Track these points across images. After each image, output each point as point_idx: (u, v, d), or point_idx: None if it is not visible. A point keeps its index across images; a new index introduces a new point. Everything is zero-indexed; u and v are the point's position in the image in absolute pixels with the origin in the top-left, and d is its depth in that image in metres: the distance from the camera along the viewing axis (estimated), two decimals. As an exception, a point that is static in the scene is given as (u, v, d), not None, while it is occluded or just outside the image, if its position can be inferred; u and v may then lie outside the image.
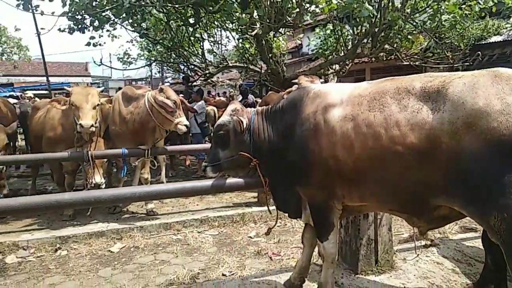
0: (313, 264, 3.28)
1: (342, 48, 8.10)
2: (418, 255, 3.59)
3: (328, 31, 9.50)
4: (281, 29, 8.30)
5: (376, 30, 6.59)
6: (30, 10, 8.10)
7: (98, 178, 4.70)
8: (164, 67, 21.47)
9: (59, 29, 8.69)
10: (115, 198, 2.66)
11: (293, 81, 5.56)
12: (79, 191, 3.10)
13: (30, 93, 16.86)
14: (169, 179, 7.24)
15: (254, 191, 5.95)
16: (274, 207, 2.94)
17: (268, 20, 6.43)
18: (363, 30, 6.96)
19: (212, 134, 3.26)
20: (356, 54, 7.44)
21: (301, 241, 3.06)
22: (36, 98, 13.95)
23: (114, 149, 5.08)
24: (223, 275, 3.58)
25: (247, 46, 9.79)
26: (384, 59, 8.33)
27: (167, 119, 4.87)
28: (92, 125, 4.50)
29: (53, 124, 5.04)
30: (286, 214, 4.50)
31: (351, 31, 7.82)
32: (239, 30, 9.17)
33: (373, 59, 8.37)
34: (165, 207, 5.60)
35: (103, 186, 4.84)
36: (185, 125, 4.92)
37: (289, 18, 6.81)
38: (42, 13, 8.17)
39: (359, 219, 3.25)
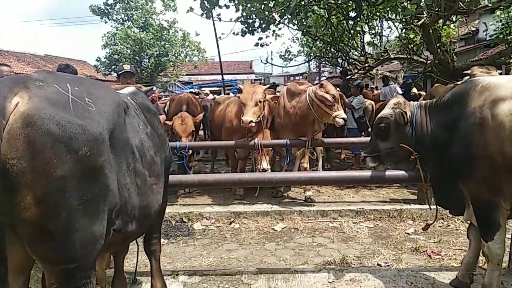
0: (477, 268, 3.09)
1: (531, 31, 6.97)
2: None
3: (513, 13, 8.27)
4: (452, 16, 7.61)
5: None
6: (211, 18, 9.44)
7: (265, 164, 5.30)
8: (322, 62, 21.95)
9: (234, 33, 9.90)
10: (285, 181, 3.06)
11: (465, 72, 5.12)
12: (256, 172, 3.65)
13: (206, 90, 19.52)
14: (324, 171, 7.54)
15: (413, 189, 5.77)
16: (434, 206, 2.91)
17: (437, 8, 6.04)
18: (561, 9, 5.86)
19: (371, 127, 3.34)
20: (550, 37, 6.32)
21: (467, 235, 2.95)
22: (211, 94, 16.06)
23: (278, 139, 5.64)
24: (378, 264, 3.68)
25: (412, 36, 9.28)
26: None
27: (326, 113, 5.13)
28: (250, 121, 5.00)
29: (230, 116, 5.87)
30: (450, 215, 4.32)
31: (543, 11, 6.65)
32: (403, 20, 8.78)
33: None
34: (321, 196, 5.92)
35: (269, 171, 5.43)
36: (343, 118, 5.10)
37: (462, 4, 6.23)
38: (220, 20, 9.44)
39: (540, 226, 2.90)
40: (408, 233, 4.53)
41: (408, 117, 2.80)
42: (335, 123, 5.19)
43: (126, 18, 24.50)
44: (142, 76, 23.89)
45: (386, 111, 2.94)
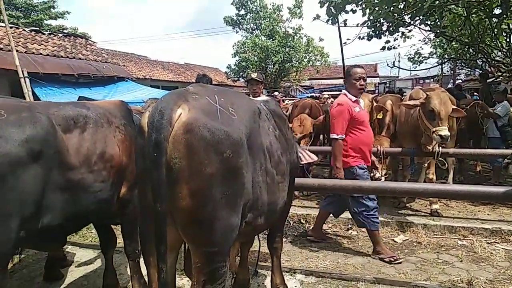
0: None
1: None
2: None
3: None
4: None
5: None
6: (336, 24, 9.49)
7: (379, 173, 5.14)
8: (457, 64, 19.94)
9: (359, 37, 9.74)
10: (409, 191, 2.99)
11: None
12: (377, 181, 3.64)
13: (326, 94, 19.53)
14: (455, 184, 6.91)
15: None
16: None
17: None
18: None
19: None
20: None
21: None
22: (332, 98, 16.03)
23: (399, 147, 5.42)
24: (516, 292, 3.30)
25: None
26: None
27: (426, 126, 4.79)
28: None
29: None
30: None
31: None
32: None
33: None
34: (450, 211, 5.48)
35: (383, 179, 5.23)
36: (440, 136, 4.57)
37: None
38: (345, 24, 9.42)
39: None
40: (559, 262, 3.93)
41: None
42: (433, 139, 4.78)
43: (255, 27, 25.98)
44: (266, 81, 25.02)
45: None
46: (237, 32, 26.72)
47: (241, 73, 24.80)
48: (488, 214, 5.28)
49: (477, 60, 12.37)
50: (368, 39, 9.47)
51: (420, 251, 4.35)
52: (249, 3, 25.13)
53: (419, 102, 4.84)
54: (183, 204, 1.75)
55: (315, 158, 3.22)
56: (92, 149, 2.59)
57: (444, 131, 4.58)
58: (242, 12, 25.75)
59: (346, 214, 5.31)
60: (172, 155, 1.70)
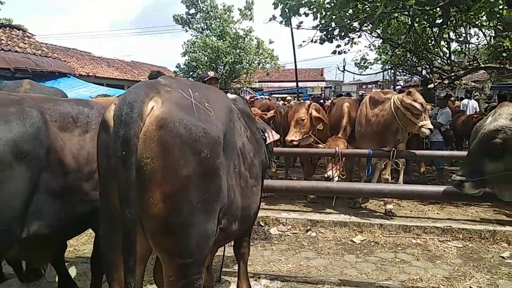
0: None
1: None
2: None
3: None
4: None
5: None
6: (289, 26, 9.53)
7: (331, 172, 5.21)
8: (399, 70, 21.06)
9: (312, 41, 9.87)
10: (376, 192, 2.98)
11: None
12: (344, 182, 3.62)
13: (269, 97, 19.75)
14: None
15: (506, 209, 5.30)
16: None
17: (542, 13, 5.50)
18: None
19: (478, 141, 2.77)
20: None
21: None
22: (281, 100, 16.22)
23: (357, 149, 5.52)
24: (471, 288, 3.43)
25: (507, 44, 8.53)
26: None
27: (411, 122, 4.99)
28: (292, 140, 5.46)
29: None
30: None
31: None
32: (498, 27, 8.15)
33: None
34: (402, 210, 5.66)
35: (334, 180, 5.30)
36: (429, 129, 4.93)
37: None
38: (298, 27, 9.48)
39: None
40: (503, 257, 4.17)
41: None
42: (421, 133, 5.01)
43: (205, 27, 25.64)
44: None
45: (503, 122, 2.42)
46: (186, 31, 26.24)
47: (190, 73, 24.33)
48: (437, 213, 5.51)
49: (419, 67, 13.10)
50: (321, 43, 9.59)
51: (378, 250, 4.42)
52: (199, 2, 24.76)
53: (408, 101, 4.94)
54: (155, 210, 1.54)
55: (277, 136, 3.19)
56: (93, 153, 2.28)
57: (430, 124, 4.99)
58: (192, 11, 25.31)
59: (305, 216, 5.34)
60: (143, 155, 1.49)
